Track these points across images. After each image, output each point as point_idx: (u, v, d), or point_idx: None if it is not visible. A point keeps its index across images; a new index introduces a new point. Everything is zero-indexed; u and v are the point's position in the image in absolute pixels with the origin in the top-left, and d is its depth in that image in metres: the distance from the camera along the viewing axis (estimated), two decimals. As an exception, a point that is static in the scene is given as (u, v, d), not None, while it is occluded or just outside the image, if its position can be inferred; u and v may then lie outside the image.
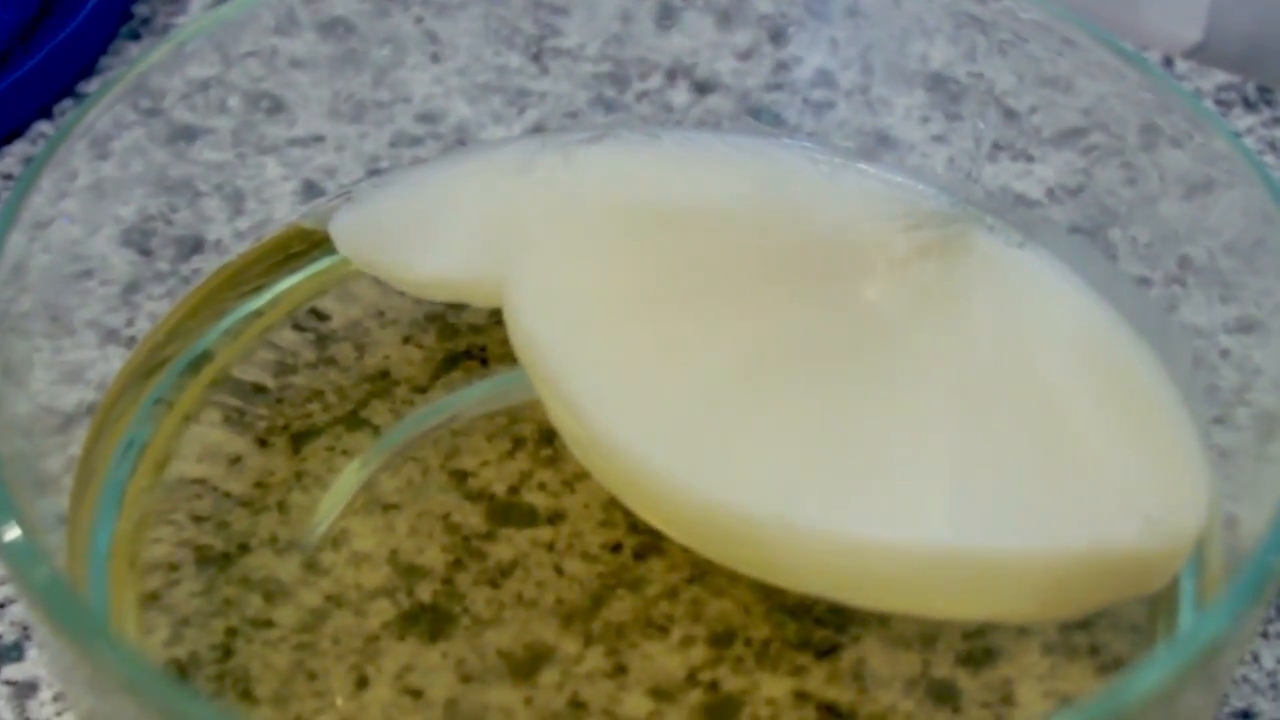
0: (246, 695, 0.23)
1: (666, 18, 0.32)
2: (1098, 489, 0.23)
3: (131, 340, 0.27)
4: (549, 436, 0.26)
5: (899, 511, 0.23)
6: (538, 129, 0.31)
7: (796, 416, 0.24)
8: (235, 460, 0.25)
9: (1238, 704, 0.27)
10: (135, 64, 0.26)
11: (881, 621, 0.24)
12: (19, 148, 0.36)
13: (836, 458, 0.23)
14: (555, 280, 0.26)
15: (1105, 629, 0.24)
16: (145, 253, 0.28)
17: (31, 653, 0.27)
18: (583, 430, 0.24)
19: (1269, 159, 0.36)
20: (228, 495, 0.25)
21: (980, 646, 0.23)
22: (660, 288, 0.26)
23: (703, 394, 0.24)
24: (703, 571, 0.24)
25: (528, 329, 0.25)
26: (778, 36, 0.32)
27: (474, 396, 0.27)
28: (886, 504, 0.23)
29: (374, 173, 0.30)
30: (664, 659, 0.23)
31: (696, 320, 0.25)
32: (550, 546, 0.24)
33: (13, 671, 0.27)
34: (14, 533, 0.19)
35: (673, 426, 0.24)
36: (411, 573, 0.24)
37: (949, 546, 0.22)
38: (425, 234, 0.28)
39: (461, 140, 0.31)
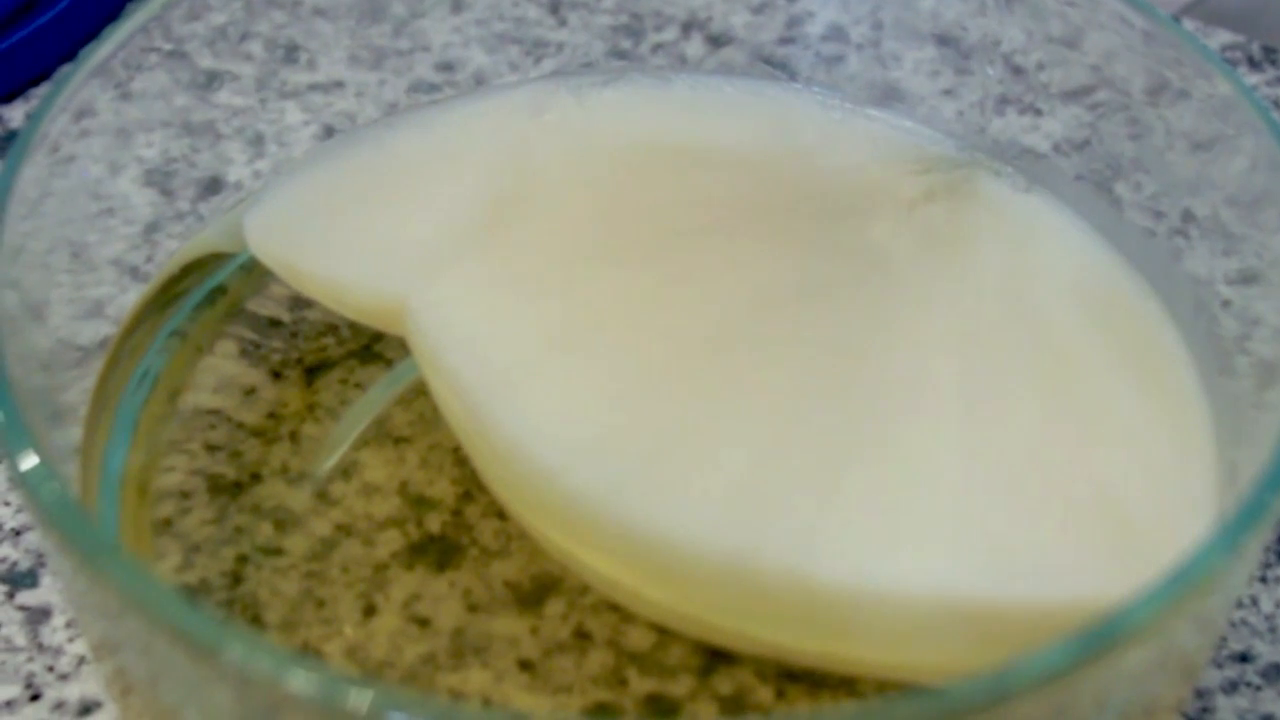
0: (256, 621, 0.23)
1: (682, -29, 0.32)
2: (1116, 482, 0.22)
3: (150, 278, 0.27)
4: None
5: (891, 543, 0.20)
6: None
7: (775, 390, 0.22)
8: (249, 392, 0.26)
9: (1236, 647, 0.27)
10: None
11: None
12: (44, 91, 0.37)
13: (817, 455, 0.21)
14: (493, 238, 0.24)
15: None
16: (166, 193, 0.28)
17: (45, 579, 0.28)
18: (471, 422, 0.21)
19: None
20: (241, 425, 0.25)
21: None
22: (651, 232, 0.24)
23: (658, 369, 0.21)
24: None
25: (414, 303, 0.22)
26: (792, -10, 0.32)
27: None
28: (875, 530, 0.20)
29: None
30: (668, 592, 0.23)
31: (686, 265, 0.24)
32: (558, 480, 0.24)
33: (26, 597, 0.28)
34: (31, 460, 0.19)
35: (597, 422, 0.21)
36: (421, 504, 0.24)
37: (956, 595, 0.19)
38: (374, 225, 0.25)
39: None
